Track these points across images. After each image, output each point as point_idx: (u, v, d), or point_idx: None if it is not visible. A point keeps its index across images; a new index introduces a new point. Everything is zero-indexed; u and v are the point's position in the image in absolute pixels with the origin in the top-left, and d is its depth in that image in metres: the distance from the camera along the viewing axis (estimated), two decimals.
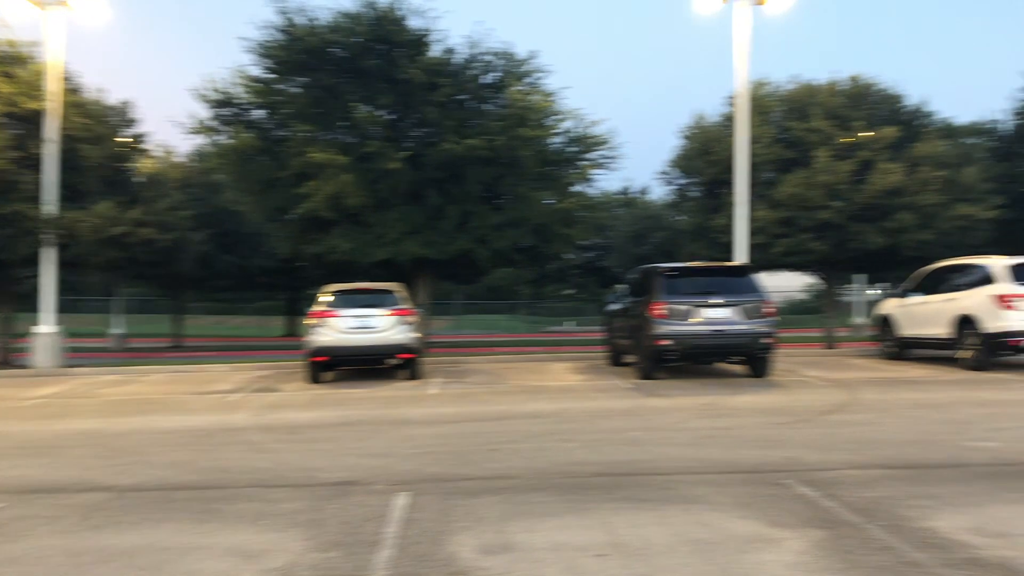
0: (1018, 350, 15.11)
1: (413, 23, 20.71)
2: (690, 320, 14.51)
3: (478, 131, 19.98)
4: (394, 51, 20.32)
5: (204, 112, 21.20)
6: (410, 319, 15.88)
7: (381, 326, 15.61)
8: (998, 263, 15.46)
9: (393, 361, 16.11)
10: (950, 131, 25.50)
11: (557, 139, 21.66)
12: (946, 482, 6.83)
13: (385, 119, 21.06)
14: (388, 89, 20.38)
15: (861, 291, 39.87)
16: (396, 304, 15.93)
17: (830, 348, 22.40)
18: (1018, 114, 24.31)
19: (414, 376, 16.16)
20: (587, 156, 21.94)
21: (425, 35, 20.82)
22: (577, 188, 22.31)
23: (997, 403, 11.31)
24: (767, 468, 7.52)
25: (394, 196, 20.64)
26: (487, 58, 21.49)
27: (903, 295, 18.06)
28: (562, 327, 49.08)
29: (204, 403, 13.59)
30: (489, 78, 21.57)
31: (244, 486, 7.37)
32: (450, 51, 21.29)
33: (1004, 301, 14.81)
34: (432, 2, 33.02)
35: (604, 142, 21.79)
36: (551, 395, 13.44)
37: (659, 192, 39.19)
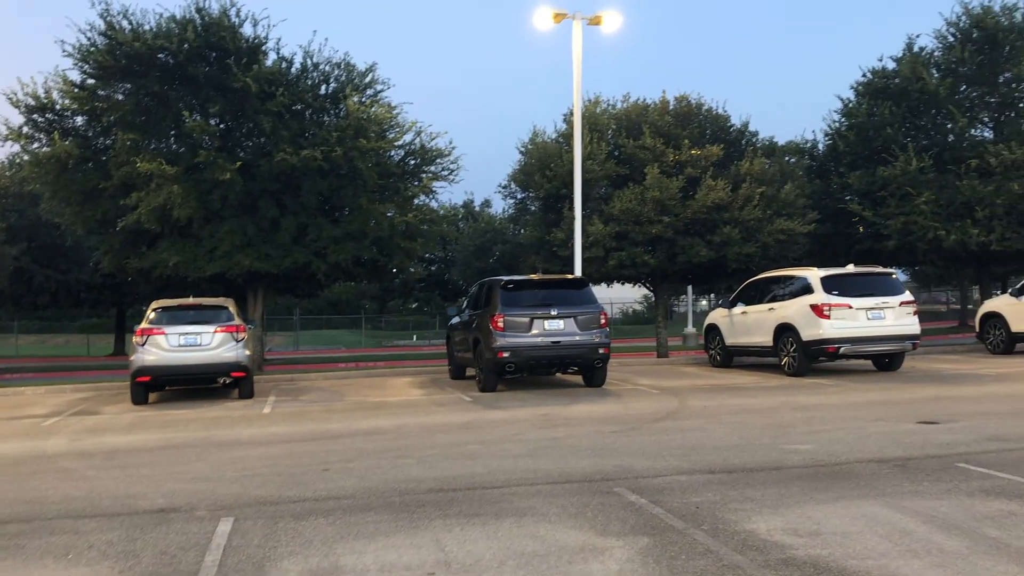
0: (834, 356, 16.09)
1: (246, 31, 20.09)
2: (529, 332, 14.66)
3: (315, 142, 19.56)
4: (226, 59, 19.62)
5: (18, 118, 19.82)
6: (242, 336, 15.29)
7: (210, 343, 14.96)
8: (814, 274, 16.43)
9: (224, 380, 15.47)
10: (772, 150, 26.99)
11: (398, 151, 21.51)
12: (765, 484, 7.11)
13: (217, 128, 20.31)
14: (220, 98, 19.65)
15: (694, 302, 41.58)
16: (227, 320, 15.30)
17: (663, 357, 23.16)
18: (832, 135, 25.97)
19: (246, 395, 15.57)
20: (428, 169, 21.89)
21: (259, 43, 20.22)
22: (418, 201, 22.21)
23: (814, 407, 11.95)
24: (599, 477, 7.62)
25: (226, 208, 19.91)
26: (326, 69, 21.13)
27: (729, 305, 18.91)
28: (410, 341, 48.78)
29: (15, 429, 12.60)
30: (327, 89, 21.20)
31: (53, 518, 6.83)
32: (286, 60, 20.79)
33: (819, 310, 15.75)
34: (269, 10, 32.11)
35: (445, 155, 21.83)
36: (390, 411, 13.24)
37: (501, 206, 39.63)
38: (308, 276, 22.05)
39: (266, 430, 11.57)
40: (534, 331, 14.66)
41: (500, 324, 14.54)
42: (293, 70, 20.90)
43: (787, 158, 26.29)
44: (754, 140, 24.12)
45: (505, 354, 14.49)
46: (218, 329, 15.04)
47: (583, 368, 15.33)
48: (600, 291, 33.02)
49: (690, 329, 32.32)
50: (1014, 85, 23.51)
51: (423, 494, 7.22)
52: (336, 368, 23.43)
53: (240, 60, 19.54)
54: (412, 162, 21.93)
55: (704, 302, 62.52)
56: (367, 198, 20.28)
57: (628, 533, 5.80)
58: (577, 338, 14.72)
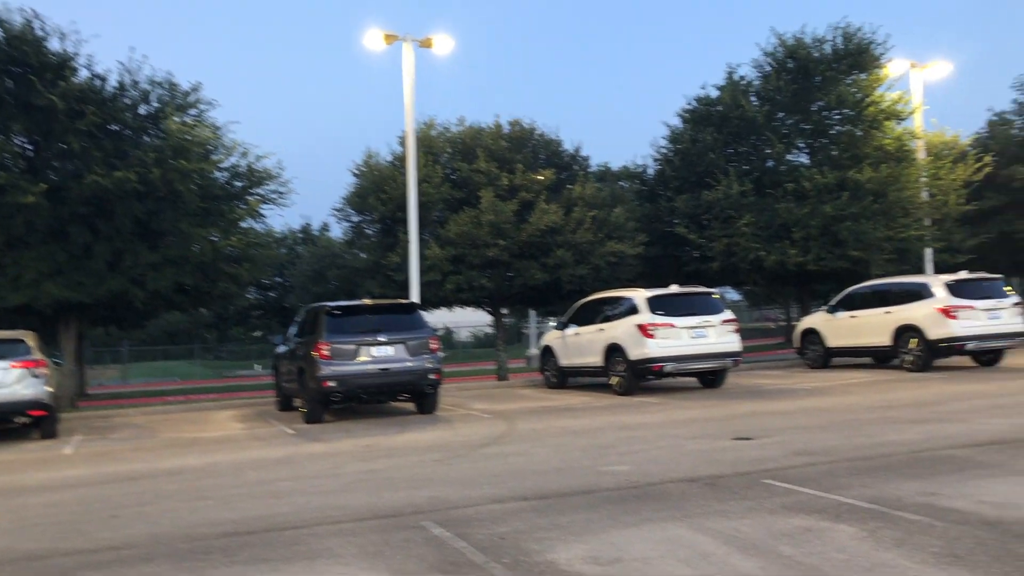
0: (660, 375, 16.40)
1: (53, 45, 18.79)
2: (356, 360, 14.19)
3: (131, 163, 18.44)
4: (31, 74, 18.26)
5: None
6: (42, 371, 14.09)
7: (5, 380, 13.70)
8: (640, 295, 16.72)
9: (22, 419, 14.21)
10: (605, 174, 27.63)
11: (222, 173, 20.60)
12: (575, 510, 6.97)
13: (20, 149, 18.86)
14: (24, 116, 18.26)
15: (536, 324, 41.93)
16: (24, 355, 14.07)
17: (503, 380, 23.09)
18: (660, 160, 26.77)
19: (48, 435, 14.37)
20: (255, 191, 21.07)
21: (68, 59, 18.94)
22: (245, 224, 21.34)
23: (637, 426, 12.04)
24: (408, 511, 7.30)
25: (31, 233, 18.47)
26: (145, 87, 20.03)
27: (562, 327, 19.02)
28: (251, 371, 46.91)
29: None
30: (148, 108, 20.10)
31: None
32: (100, 78, 19.58)
33: (645, 330, 16.01)
34: (78, 23, 30.33)
35: (273, 176, 21.07)
36: (204, 447, 12.46)
37: (339, 229, 38.76)
38: (127, 305, 20.73)
39: (61, 473, 10.62)
40: (362, 358, 14.20)
41: (325, 352, 14.01)
42: (109, 88, 19.72)
43: (619, 183, 26.96)
44: (586, 165, 24.55)
45: (331, 383, 13.96)
46: (14, 364, 13.81)
47: (414, 395, 14.98)
48: (449, 315, 32.96)
49: (533, 351, 32.47)
50: (825, 113, 24.89)
51: (215, 539, 6.68)
52: (163, 402, 22.10)
53: (45, 76, 18.24)
54: (238, 184, 21.04)
55: (552, 323, 63.35)
56: (188, 222, 19.28)
57: (424, 572, 5.50)
58: (407, 364, 14.37)
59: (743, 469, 8.32)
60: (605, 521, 6.55)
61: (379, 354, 14.28)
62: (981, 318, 17.93)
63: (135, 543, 6.68)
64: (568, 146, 24.32)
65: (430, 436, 12.28)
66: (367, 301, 16.17)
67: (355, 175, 23.54)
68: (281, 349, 17.50)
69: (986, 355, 18.74)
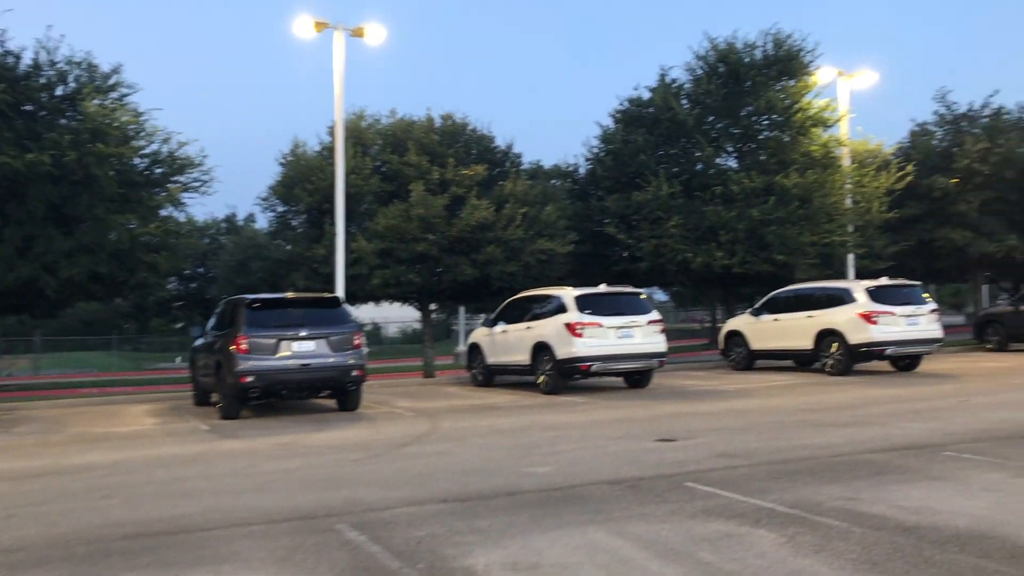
0: (587, 374, 16.35)
1: None
2: (276, 355, 13.81)
3: (45, 145, 17.67)
4: None
5: None
6: None
7: None
8: (569, 294, 16.65)
9: None
10: (537, 172, 27.49)
11: (142, 159, 19.90)
12: (496, 513, 6.80)
13: None
14: None
15: (465, 320, 41.71)
16: None
17: (430, 377, 22.83)
18: (592, 160, 26.79)
19: None
20: (176, 179, 20.41)
21: None
22: (165, 212, 20.68)
23: (562, 426, 11.94)
24: (323, 512, 7.04)
25: None
26: (63, 67, 19.23)
27: (490, 324, 18.87)
28: (172, 364, 45.64)
29: None
30: (64, 89, 19.30)
31: None
32: (12, 54, 18.74)
33: (573, 329, 15.95)
34: None
35: (195, 164, 20.44)
36: (114, 443, 11.97)
37: (264, 220, 37.99)
38: (37, 293, 19.89)
39: None
40: (282, 353, 13.82)
41: (243, 346, 13.59)
42: (23, 66, 18.89)
43: (551, 181, 26.88)
44: (518, 161, 24.43)
45: (248, 378, 13.55)
46: None
47: (336, 392, 14.65)
48: (378, 310, 32.51)
49: (461, 348, 32.27)
50: (754, 118, 25.20)
51: (116, 541, 6.33)
52: (76, 394, 21.29)
53: None
54: (159, 171, 20.36)
55: (481, 320, 63.13)
56: (105, 208, 18.56)
57: None
58: (329, 360, 14.03)
59: (666, 471, 8.26)
60: (525, 525, 6.40)
61: (300, 349, 13.92)
62: (900, 324, 18.34)
63: (28, 545, 6.30)
64: (501, 142, 24.20)
65: (350, 435, 11.99)
66: (289, 294, 15.78)
67: (282, 165, 23.02)
68: (199, 342, 16.96)
69: (904, 360, 19.19)
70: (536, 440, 10.66)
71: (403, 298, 23.31)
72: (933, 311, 18.91)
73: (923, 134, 30.78)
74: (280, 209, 23.69)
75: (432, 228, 20.88)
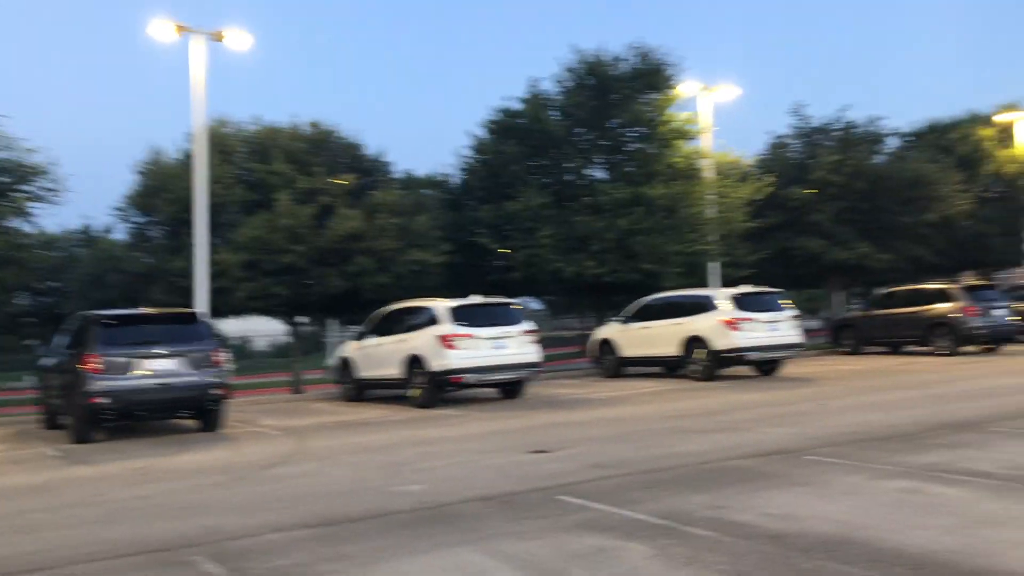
0: (461, 386, 16.17)
1: None
2: (131, 373, 13.05)
3: None
4: None
5: None
6: None
7: None
8: (441, 305, 16.45)
9: None
10: (409, 182, 27.23)
11: None
12: (364, 537, 6.54)
13: None
14: None
15: (337, 333, 40.89)
16: None
17: (298, 393, 22.18)
18: (465, 170, 26.72)
19: None
20: (23, 188, 19.17)
21: None
22: (12, 224, 19.37)
23: (435, 440, 11.73)
24: (178, 543, 6.61)
25: None
26: None
27: (361, 337, 18.45)
28: (21, 383, 42.82)
29: None
30: None
31: None
32: None
33: (446, 340, 15.75)
34: None
35: (44, 173, 19.26)
36: None
37: (122, 231, 36.28)
38: None
39: None
40: (137, 372, 13.07)
41: (96, 365, 12.78)
42: None
43: (424, 191, 26.67)
44: (389, 171, 24.11)
45: (101, 399, 12.73)
46: None
47: (196, 412, 13.96)
48: (247, 323, 31.36)
49: (332, 362, 31.56)
50: (621, 130, 25.68)
51: None
52: None
53: None
54: (5, 180, 19.08)
55: (349, 334, 62.03)
56: None
57: None
58: (189, 379, 13.35)
59: (538, 484, 8.17)
60: (394, 548, 6.16)
61: (157, 367, 13.20)
62: (762, 330, 18.96)
63: None
64: (371, 150, 23.82)
65: (212, 457, 11.42)
66: (145, 309, 14.99)
67: (140, 173, 21.97)
68: (47, 361, 15.89)
69: (766, 365, 19.84)
70: (408, 457, 10.41)
71: (270, 311, 22.62)
72: (792, 317, 19.64)
73: (781, 146, 32.07)
74: (138, 220, 22.62)
75: (299, 239, 20.32)
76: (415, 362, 16.31)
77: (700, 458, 9.22)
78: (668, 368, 21.02)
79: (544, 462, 9.45)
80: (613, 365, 21.37)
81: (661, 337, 20.13)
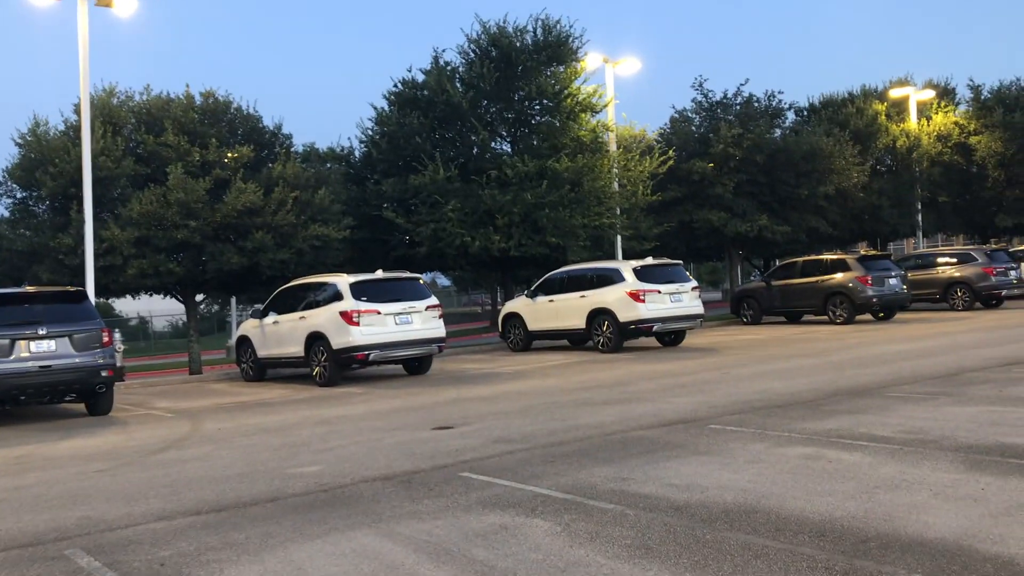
0: (365, 363, 15.81)
1: None
2: (11, 356, 12.29)
3: None
4: None
5: None
6: None
7: None
8: (344, 281, 16.01)
9: None
10: (311, 155, 26.51)
11: None
12: (255, 523, 6.20)
13: None
14: None
15: (238, 311, 39.83)
16: None
17: (196, 374, 21.41)
18: (367, 143, 26.13)
19: None
20: None
21: None
22: None
23: (336, 419, 11.38)
24: (53, 536, 6.16)
25: None
26: None
27: (261, 315, 17.87)
28: None
29: None
30: None
31: None
32: None
33: (349, 317, 15.35)
34: None
35: None
36: None
37: (2, 207, 34.44)
38: None
39: None
40: (18, 354, 12.32)
41: None
42: None
43: (326, 164, 26.01)
44: (288, 143, 23.38)
45: None
46: None
47: (83, 395, 13.25)
48: (146, 302, 30.12)
49: (233, 341, 30.70)
50: (527, 103, 25.49)
51: None
52: None
53: None
54: None
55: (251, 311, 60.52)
56: None
57: None
58: (74, 361, 12.65)
59: (441, 462, 7.95)
60: (287, 534, 5.85)
61: (39, 349, 12.46)
62: (665, 301, 19.12)
63: None
64: (269, 122, 23.04)
65: (98, 442, 10.83)
66: (27, 288, 14.14)
67: (19, 145, 20.71)
68: None
69: (670, 336, 20.05)
70: (307, 437, 10.05)
71: (163, 290, 21.73)
72: (695, 288, 19.87)
73: (683, 120, 32.41)
74: (19, 195, 21.37)
75: (194, 214, 19.52)
76: (317, 339, 15.87)
77: (604, 429, 9.14)
78: (575, 341, 21.06)
79: (448, 439, 9.23)
80: (521, 339, 21.29)
81: (567, 310, 20.12)
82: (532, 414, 10.62)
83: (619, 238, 26.44)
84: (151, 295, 22.72)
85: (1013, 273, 26.40)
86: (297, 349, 16.39)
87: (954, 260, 26.98)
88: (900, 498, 5.86)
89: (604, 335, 19.27)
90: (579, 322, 19.81)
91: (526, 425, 9.78)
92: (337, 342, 15.43)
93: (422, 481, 7.21)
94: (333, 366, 15.61)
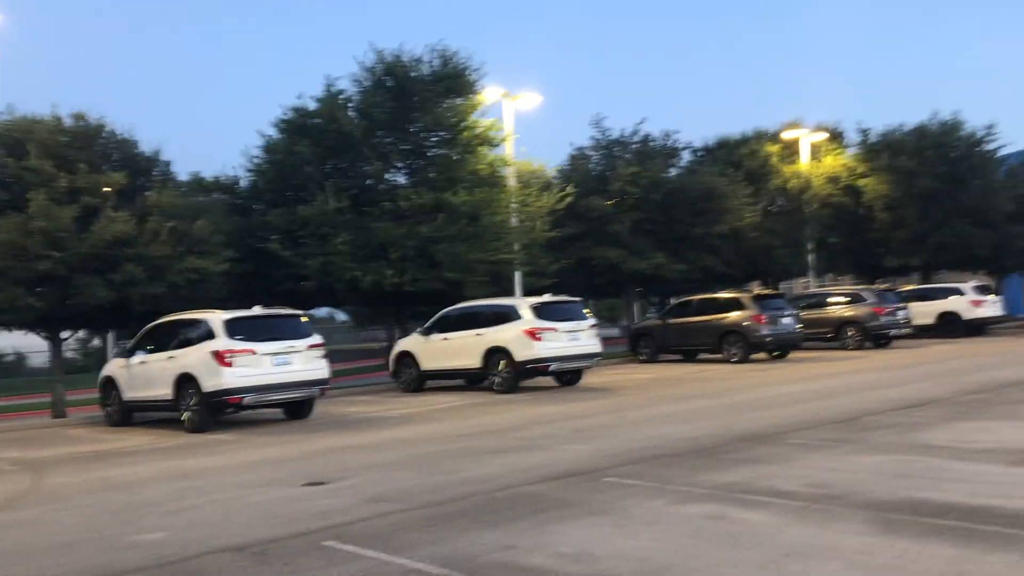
0: (240, 408, 14.65)
1: None
2: None
3: None
4: None
5: None
6: None
7: None
8: (217, 318, 14.86)
9: None
10: (194, 184, 25.12)
11: None
12: None
13: None
14: None
15: (116, 348, 37.60)
16: None
17: (60, 417, 19.71)
18: (254, 172, 24.91)
19: None
20: None
21: None
22: None
23: (198, 473, 10.28)
24: None
25: None
26: None
27: (127, 354, 16.51)
28: None
29: None
30: None
31: None
32: None
33: (221, 357, 14.20)
34: None
35: None
36: None
37: None
38: None
39: None
40: None
41: None
42: None
43: (211, 194, 24.67)
44: (167, 170, 21.99)
45: None
46: None
47: None
48: (22, 337, 27.84)
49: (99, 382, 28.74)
50: (423, 134, 24.75)
51: None
52: None
53: None
54: None
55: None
56: None
57: None
58: None
59: (305, 527, 7.03)
60: None
61: None
62: (563, 339, 18.56)
63: None
64: (146, 148, 21.61)
65: None
66: None
67: None
68: None
69: (567, 375, 19.48)
70: (159, 495, 8.93)
71: (24, 325, 19.99)
72: (592, 326, 19.38)
73: (581, 158, 32.27)
74: None
75: (58, 244, 17.96)
76: (187, 381, 14.62)
77: (492, 484, 8.36)
78: (471, 381, 20.28)
79: (318, 497, 8.29)
80: (413, 379, 20.37)
81: (462, 349, 19.35)
82: (416, 466, 9.76)
83: (518, 274, 25.84)
84: (9, 330, 20.92)
85: (902, 313, 26.92)
86: (166, 391, 15.09)
87: (846, 300, 27.37)
88: (812, 569, 5.26)
89: (500, 375, 18.55)
90: (475, 361, 19.05)
91: (407, 479, 8.92)
92: (208, 384, 14.23)
93: (278, 552, 6.28)
94: (204, 411, 14.39)
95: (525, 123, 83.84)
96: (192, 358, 14.63)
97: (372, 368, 34.52)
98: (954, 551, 5.46)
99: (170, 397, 15.00)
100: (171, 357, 15.12)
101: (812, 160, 35.48)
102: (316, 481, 9.13)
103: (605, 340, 23.75)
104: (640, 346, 26.20)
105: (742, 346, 23.26)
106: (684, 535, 6.16)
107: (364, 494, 8.26)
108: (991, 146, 34.64)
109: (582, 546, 5.99)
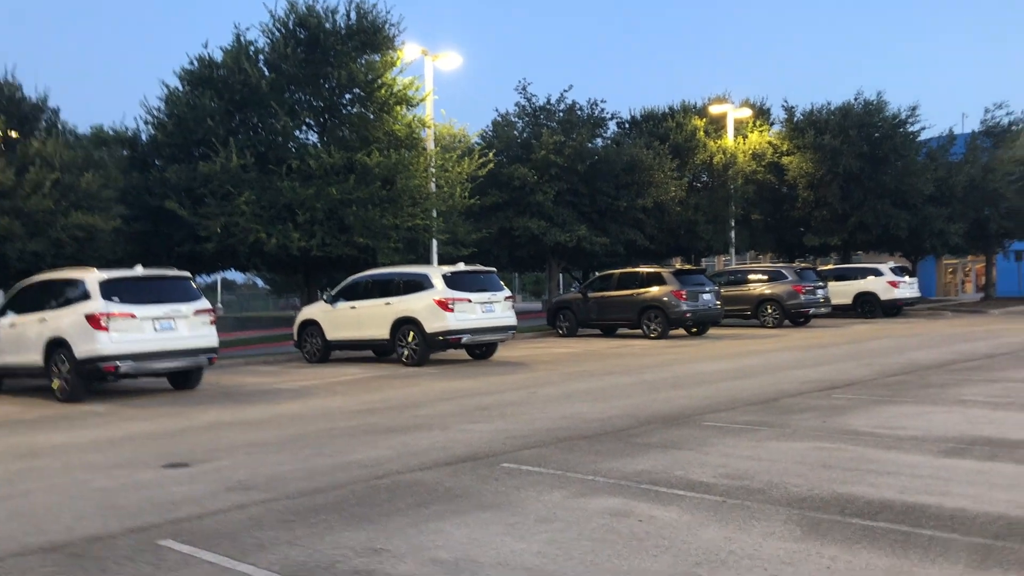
0: (116, 376, 13.36)
1: None
2: None
3: None
4: None
5: None
6: None
7: None
8: (94, 278, 13.48)
9: None
10: (96, 138, 23.43)
11: None
12: None
13: None
14: None
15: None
16: None
17: None
18: (153, 125, 23.28)
19: None
20: None
21: None
22: None
23: (48, 451, 9.05)
24: None
25: None
26: None
27: None
28: None
29: None
30: None
31: None
32: None
33: (96, 321, 12.88)
34: None
35: None
36: None
37: None
38: None
39: None
40: None
41: None
42: None
43: (107, 147, 22.95)
44: (55, 119, 20.32)
45: None
46: None
47: None
48: None
49: None
50: (337, 91, 23.45)
51: None
52: None
53: None
54: None
55: None
56: None
57: None
58: None
59: (145, 520, 5.99)
60: None
61: None
62: (477, 311, 17.65)
63: None
64: (32, 92, 19.93)
65: None
66: None
67: None
68: None
69: (480, 348, 18.62)
70: None
71: None
72: (508, 298, 18.51)
73: (505, 124, 31.28)
74: None
75: None
76: (59, 346, 13.27)
77: (375, 470, 7.42)
78: (379, 352, 19.30)
79: (174, 483, 7.22)
80: (318, 349, 19.23)
81: (370, 318, 18.29)
82: (296, 447, 8.74)
83: (435, 242, 24.80)
84: None
85: (820, 292, 26.74)
86: (36, 357, 13.70)
87: (765, 277, 27.07)
88: None
89: (409, 346, 17.57)
90: (383, 332, 18.02)
91: (282, 463, 7.90)
92: (81, 350, 12.92)
93: (99, 554, 5.24)
94: (76, 379, 13.06)
95: (446, 85, 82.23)
96: (64, 321, 13.27)
97: (283, 337, 33.14)
98: (889, 561, 4.73)
99: (40, 363, 13.62)
100: (42, 320, 13.72)
101: (737, 136, 35.13)
102: (179, 462, 8.05)
103: (528, 313, 23.11)
104: (559, 320, 25.47)
105: (661, 321, 22.72)
106: (583, 536, 5.32)
107: (228, 480, 7.23)
108: (913, 128, 34.76)
109: (463, 550, 5.10)
